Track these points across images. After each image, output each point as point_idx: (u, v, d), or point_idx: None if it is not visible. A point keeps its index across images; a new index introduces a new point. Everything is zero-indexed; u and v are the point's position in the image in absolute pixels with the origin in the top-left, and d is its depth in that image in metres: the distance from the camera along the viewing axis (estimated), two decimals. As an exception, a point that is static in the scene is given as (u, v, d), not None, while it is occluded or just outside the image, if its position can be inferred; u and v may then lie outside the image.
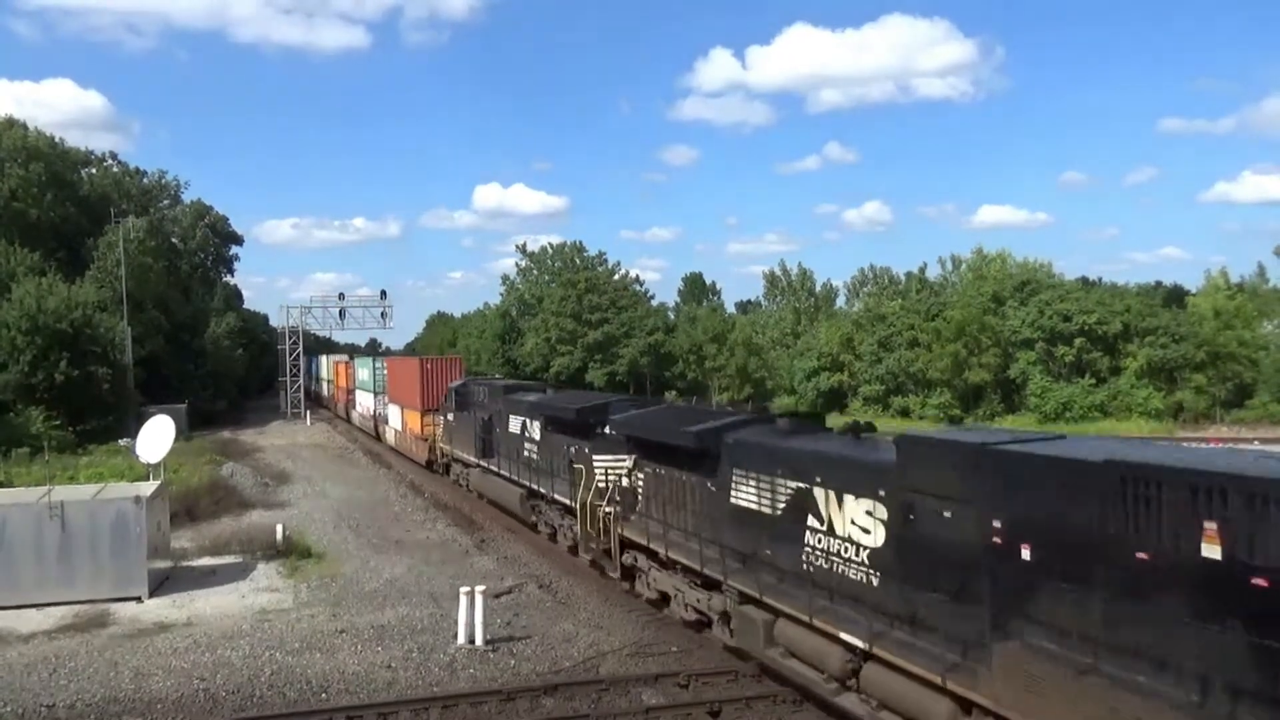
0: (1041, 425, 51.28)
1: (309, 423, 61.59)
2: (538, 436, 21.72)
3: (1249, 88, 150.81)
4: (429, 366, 36.32)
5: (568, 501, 18.89)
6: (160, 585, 18.13)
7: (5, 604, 16.69)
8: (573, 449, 18.96)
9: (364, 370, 51.29)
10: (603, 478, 17.05)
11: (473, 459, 27.56)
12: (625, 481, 16.70)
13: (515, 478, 23.16)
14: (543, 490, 20.99)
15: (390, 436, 43.48)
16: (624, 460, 16.78)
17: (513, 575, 19.18)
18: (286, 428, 58.10)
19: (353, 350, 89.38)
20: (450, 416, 30.84)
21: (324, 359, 79.36)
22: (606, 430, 17.67)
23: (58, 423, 36.70)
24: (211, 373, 60.08)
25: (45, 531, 17.04)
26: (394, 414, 42.21)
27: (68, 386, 38.50)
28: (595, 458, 17.26)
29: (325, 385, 75.97)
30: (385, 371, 45.47)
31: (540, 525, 22.15)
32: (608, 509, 16.81)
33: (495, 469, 25.19)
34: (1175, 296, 69.05)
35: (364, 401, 51.39)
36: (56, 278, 43.64)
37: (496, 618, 15.69)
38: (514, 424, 23.68)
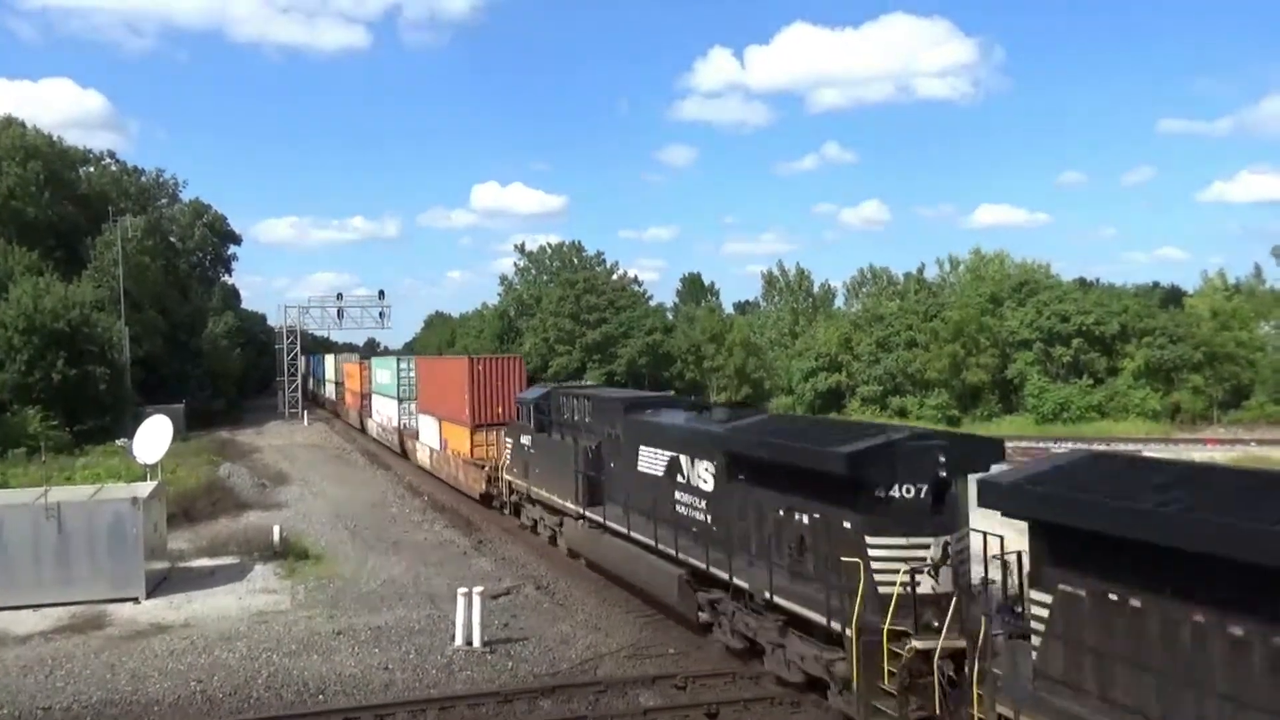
0: (1039, 426, 51.37)
1: (306, 423, 61.54)
2: (708, 484, 14.36)
3: (1246, 89, 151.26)
4: (481, 367, 28.26)
5: (807, 613, 11.54)
6: (157, 586, 18.10)
7: (2, 605, 16.66)
8: (813, 519, 11.83)
9: (384, 372, 43.29)
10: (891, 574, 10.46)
11: (570, 505, 19.48)
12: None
13: (661, 546, 15.23)
14: (737, 580, 13.07)
15: (423, 456, 34.63)
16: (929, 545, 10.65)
17: (511, 576, 19.16)
18: (284, 428, 58.04)
19: (354, 350, 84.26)
20: (525, 440, 22.49)
21: (329, 359, 72.22)
22: (898, 492, 10.80)
23: (54, 423, 36.61)
24: (209, 373, 60.02)
25: (42, 532, 17.02)
26: (428, 428, 34.15)
27: (65, 386, 38.41)
28: (875, 541, 10.80)
29: (331, 388, 68.10)
30: (414, 373, 38.24)
31: (726, 634, 13.75)
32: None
33: (616, 526, 17.12)
34: (1173, 297, 69.13)
35: (384, 410, 43.11)
36: (53, 277, 43.57)
37: (494, 619, 15.68)
38: (653, 460, 16.22)
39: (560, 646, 14.71)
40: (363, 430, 49.40)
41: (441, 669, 13.77)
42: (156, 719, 12.29)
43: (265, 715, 12.29)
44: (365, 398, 48.67)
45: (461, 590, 14.97)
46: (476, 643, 14.55)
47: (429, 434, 33.73)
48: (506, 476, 24.86)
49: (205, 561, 20.65)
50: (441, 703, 12.38)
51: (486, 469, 26.75)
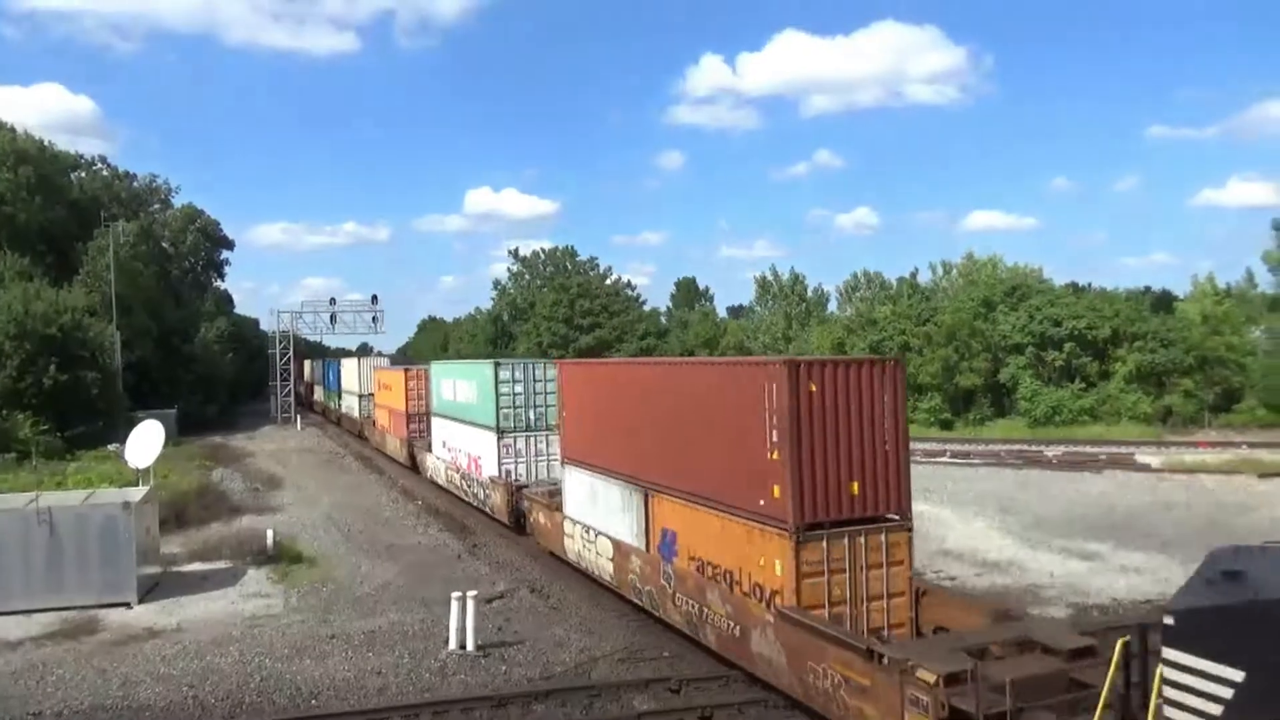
0: (1031, 429, 51.51)
1: (300, 428, 61.37)
2: None
3: (1234, 97, 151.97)
4: (827, 374, 11.72)
5: None
6: (149, 591, 18.03)
7: (-8, 610, 16.58)
8: None
9: (468, 384, 27.09)
10: None
11: None
12: None
13: None
14: None
15: (588, 552, 17.66)
16: None
17: (504, 580, 19.14)
18: (277, 433, 57.86)
19: (375, 355, 72.04)
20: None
21: (348, 364, 57.28)
22: None
23: (45, 428, 36.47)
24: (201, 377, 59.80)
25: (33, 537, 16.94)
26: (597, 498, 17.20)
27: (56, 391, 38.25)
28: None
29: (352, 403, 53.22)
30: (546, 387, 24.27)
31: None
32: None
33: None
34: (1164, 302, 69.33)
35: (463, 444, 27.53)
36: (44, 282, 43.41)
37: (488, 623, 15.67)
38: None
39: (554, 650, 14.69)
40: (413, 467, 35.30)
41: (435, 673, 13.75)
42: (148, 724, 12.23)
43: (258, 720, 12.24)
44: (418, 421, 35.67)
45: (455, 594, 14.95)
46: (470, 647, 14.52)
47: (604, 512, 16.79)
48: None
49: (198, 566, 20.57)
50: (435, 707, 12.35)
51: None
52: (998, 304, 59.64)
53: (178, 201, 78.62)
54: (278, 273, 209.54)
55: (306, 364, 79.99)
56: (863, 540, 11.78)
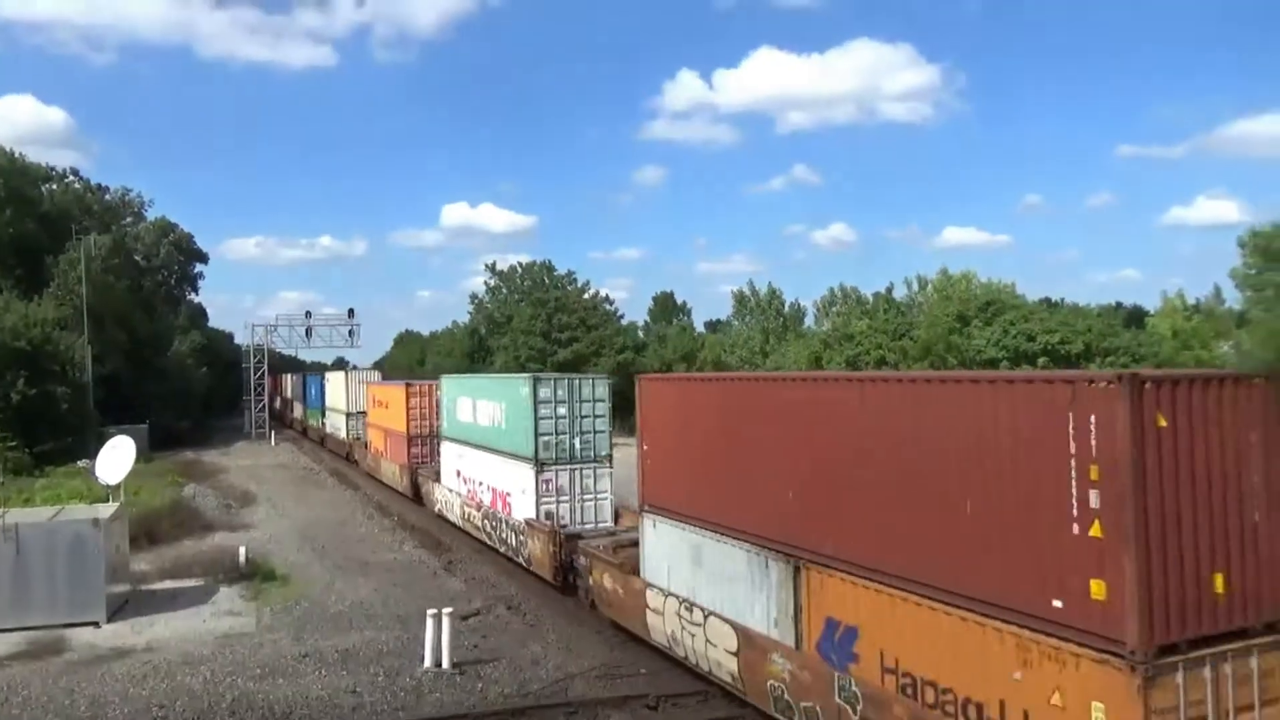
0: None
1: (274, 443, 60.77)
2: None
3: (1202, 117, 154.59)
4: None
5: None
6: (119, 610, 17.73)
7: (-44, 631, 16.24)
8: None
9: (494, 405, 22.65)
10: None
11: None
12: None
13: None
14: None
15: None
16: None
17: (481, 597, 19.00)
18: (251, 448, 57.27)
19: (347, 368, 68.84)
20: None
21: (334, 379, 51.77)
22: None
23: (13, 444, 35.85)
24: (174, 392, 59.08)
25: (-1, 555, 16.62)
26: (732, 585, 12.30)
27: (24, 406, 37.63)
28: None
29: (339, 423, 48.29)
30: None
31: None
32: None
33: None
34: (1135, 317, 70.39)
35: (486, 477, 23.27)
36: (13, 294, 42.80)
37: (464, 640, 15.55)
38: None
39: (531, 667, 14.60)
40: (415, 498, 31.55)
41: (410, 691, 13.61)
42: (116, 746, 12.02)
43: (229, 741, 12.06)
44: (422, 445, 31.82)
45: (431, 611, 14.83)
46: (446, 664, 14.40)
47: (717, 584, 12.75)
48: None
49: (169, 584, 20.27)
50: (410, 726, 12.23)
51: None
52: (972, 319, 60.26)
53: (151, 215, 77.88)
54: (252, 286, 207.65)
55: (286, 378, 77.31)
56: (1253, 664, 7.69)
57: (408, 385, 33.22)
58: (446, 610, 14.81)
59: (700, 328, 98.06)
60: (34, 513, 19.50)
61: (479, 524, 23.72)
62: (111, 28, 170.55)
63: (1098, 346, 56.09)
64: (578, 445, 20.30)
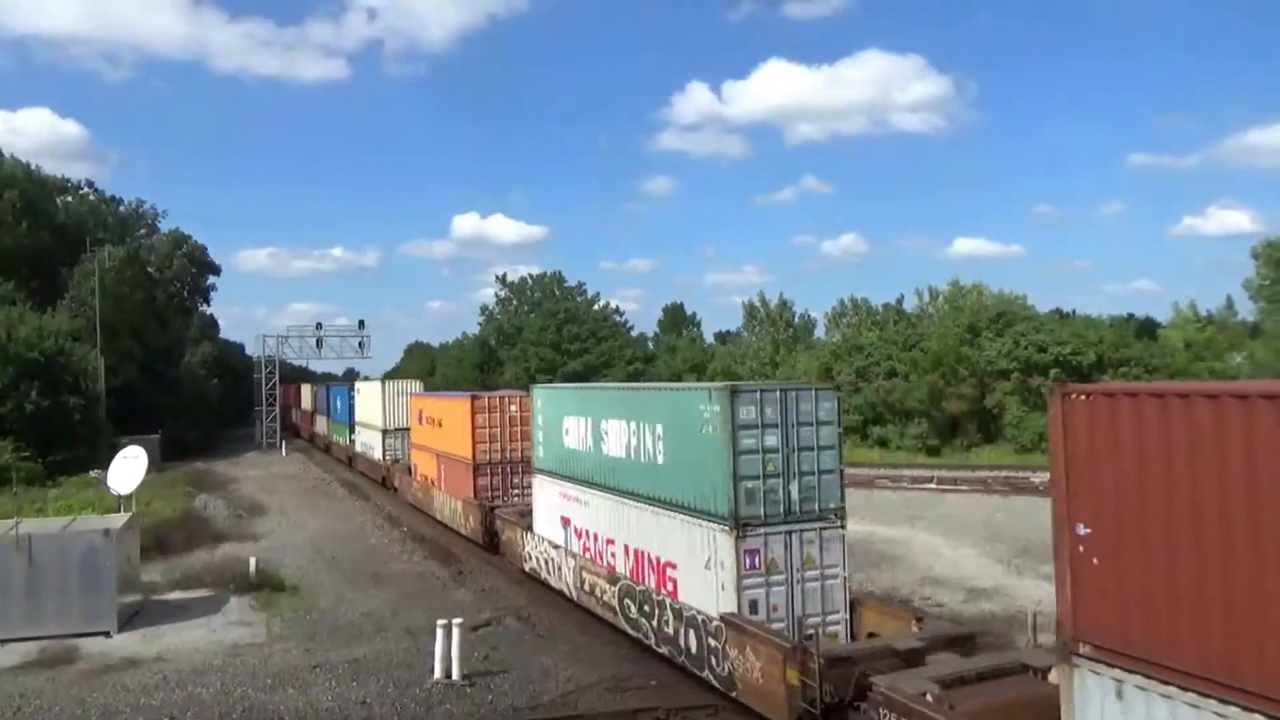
0: (1019, 455, 51.66)
1: (284, 454, 60.93)
2: None
3: (1215, 125, 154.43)
4: None
5: None
6: (130, 620, 17.76)
7: (-31, 640, 16.30)
8: None
9: (642, 427, 15.34)
10: None
11: None
12: None
13: None
14: None
15: None
16: None
17: (491, 608, 18.96)
18: (262, 459, 57.42)
19: (348, 377, 71.64)
20: None
21: (367, 389, 44.93)
22: None
23: (26, 454, 36.08)
24: (186, 403, 59.40)
25: (12, 565, 16.69)
26: None
27: (38, 417, 37.90)
28: None
29: (369, 441, 42.56)
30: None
31: None
32: None
33: None
34: (1147, 328, 69.98)
35: (638, 542, 15.57)
36: (28, 306, 43.17)
37: (474, 651, 15.49)
38: None
39: (541, 679, 14.53)
40: (490, 546, 24.12)
41: (420, 702, 13.57)
42: (127, 756, 12.02)
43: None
44: (499, 477, 25.95)
45: (440, 622, 14.79)
46: (456, 675, 14.36)
47: None
48: None
49: (179, 594, 20.30)
50: (420, 737, 12.19)
51: None
52: (983, 330, 60.06)
53: (164, 226, 78.51)
54: (264, 298, 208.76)
55: (305, 389, 72.87)
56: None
57: (474, 398, 26.91)
58: (456, 621, 14.77)
59: (710, 339, 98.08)
60: (46, 523, 19.59)
61: (613, 602, 16.31)
62: (127, 43, 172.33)
63: (1110, 358, 55.82)
64: (795, 494, 13.17)
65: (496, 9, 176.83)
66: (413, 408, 34.95)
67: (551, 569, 19.35)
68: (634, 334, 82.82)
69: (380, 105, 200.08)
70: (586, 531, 17.63)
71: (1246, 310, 61.13)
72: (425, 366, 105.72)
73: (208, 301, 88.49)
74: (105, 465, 25.63)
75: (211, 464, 50.85)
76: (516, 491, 25.05)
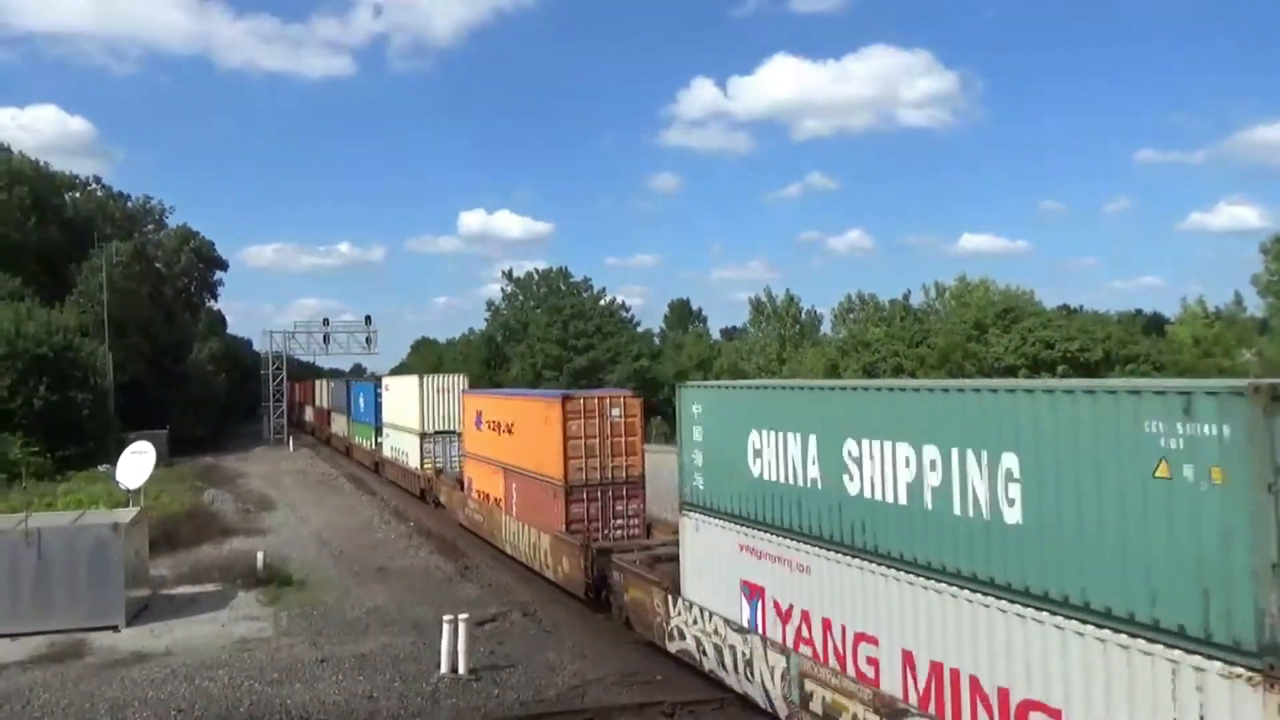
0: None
1: (292, 449, 61.14)
2: None
3: (1222, 121, 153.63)
4: None
5: None
6: (138, 614, 17.85)
7: (-22, 634, 16.40)
8: None
9: (961, 456, 8.70)
10: None
11: None
12: None
13: None
14: None
15: None
16: None
17: (497, 603, 19.00)
18: (269, 454, 57.65)
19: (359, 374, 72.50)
20: None
21: (397, 384, 39.55)
22: None
23: (36, 449, 36.25)
24: (194, 398, 59.62)
25: (21, 559, 16.77)
26: None
27: (47, 412, 38.08)
28: None
29: (403, 445, 36.64)
30: None
31: None
32: None
33: None
34: (1155, 324, 69.78)
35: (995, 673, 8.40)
36: (36, 301, 43.35)
37: (480, 646, 15.53)
38: None
39: (546, 673, 14.56)
40: (597, 599, 17.96)
41: (426, 697, 13.61)
42: (135, 749, 12.08)
43: (247, 745, 12.10)
44: (592, 499, 19.59)
45: (447, 617, 14.83)
46: (462, 670, 14.40)
47: None
48: None
49: (187, 588, 20.39)
50: (426, 731, 12.23)
51: None
52: (990, 326, 59.88)
53: (172, 222, 78.63)
54: (271, 294, 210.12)
55: (320, 385, 69.34)
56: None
57: (566, 398, 19.92)
58: (463, 616, 14.81)
59: (716, 335, 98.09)
60: (55, 517, 19.69)
61: None
62: (133, 39, 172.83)
63: (1118, 354, 55.61)
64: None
65: (502, 4, 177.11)
66: (467, 408, 27.87)
67: (729, 660, 12.90)
68: (640, 330, 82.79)
69: (386, 101, 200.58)
70: (803, 614, 11.40)
71: (1255, 306, 60.79)
72: (432, 363, 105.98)
73: (215, 297, 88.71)
74: (114, 460, 25.76)
75: (219, 459, 51.08)
76: (620, 521, 19.57)
